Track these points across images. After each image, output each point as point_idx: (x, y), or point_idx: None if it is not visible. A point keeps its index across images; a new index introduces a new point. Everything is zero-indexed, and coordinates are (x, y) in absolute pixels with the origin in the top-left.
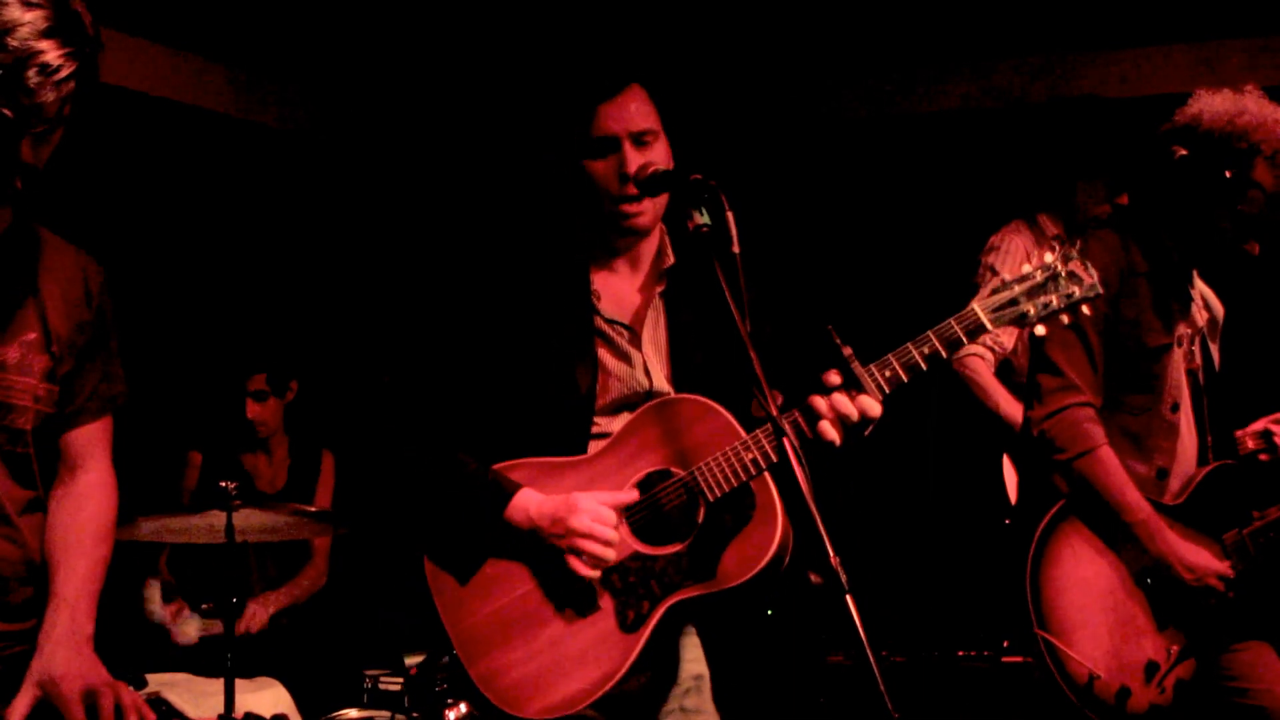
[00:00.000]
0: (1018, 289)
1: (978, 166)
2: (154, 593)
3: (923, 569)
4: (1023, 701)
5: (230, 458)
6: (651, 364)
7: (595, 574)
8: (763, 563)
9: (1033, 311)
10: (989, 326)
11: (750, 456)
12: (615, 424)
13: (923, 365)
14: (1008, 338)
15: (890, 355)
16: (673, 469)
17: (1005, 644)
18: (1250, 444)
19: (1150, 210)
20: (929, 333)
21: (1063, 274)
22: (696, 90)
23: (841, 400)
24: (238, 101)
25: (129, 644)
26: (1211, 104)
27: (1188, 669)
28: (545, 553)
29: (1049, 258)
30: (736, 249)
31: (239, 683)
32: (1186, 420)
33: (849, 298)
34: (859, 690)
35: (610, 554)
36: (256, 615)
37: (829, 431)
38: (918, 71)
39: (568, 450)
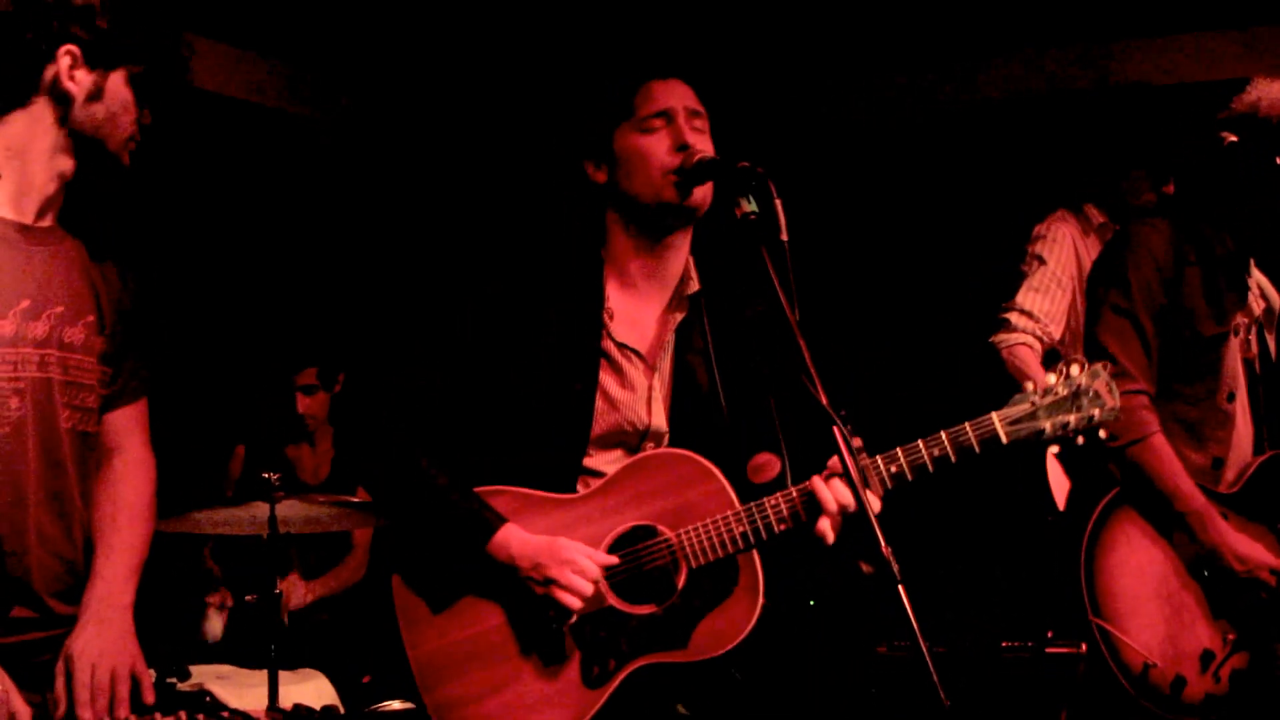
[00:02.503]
0: (1039, 403)
1: (1023, 155)
2: (214, 623)
3: (967, 561)
4: (1066, 692)
5: (275, 449)
6: (655, 397)
7: (562, 618)
8: (735, 642)
9: (1049, 430)
10: (1003, 439)
11: (740, 530)
12: (606, 459)
13: (930, 467)
14: (1055, 328)
15: (899, 450)
16: (659, 527)
17: (1049, 634)
18: None
19: (1202, 198)
20: (942, 433)
21: (1086, 393)
22: (737, 81)
23: (842, 490)
24: (281, 94)
25: (173, 637)
26: (1270, 91)
27: (1244, 659)
28: (520, 591)
29: (1076, 371)
30: (785, 237)
31: (282, 674)
32: (1243, 410)
33: (892, 291)
34: (909, 681)
35: (579, 604)
36: (296, 589)
37: (825, 528)
38: (962, 60)
39: (554, 480)
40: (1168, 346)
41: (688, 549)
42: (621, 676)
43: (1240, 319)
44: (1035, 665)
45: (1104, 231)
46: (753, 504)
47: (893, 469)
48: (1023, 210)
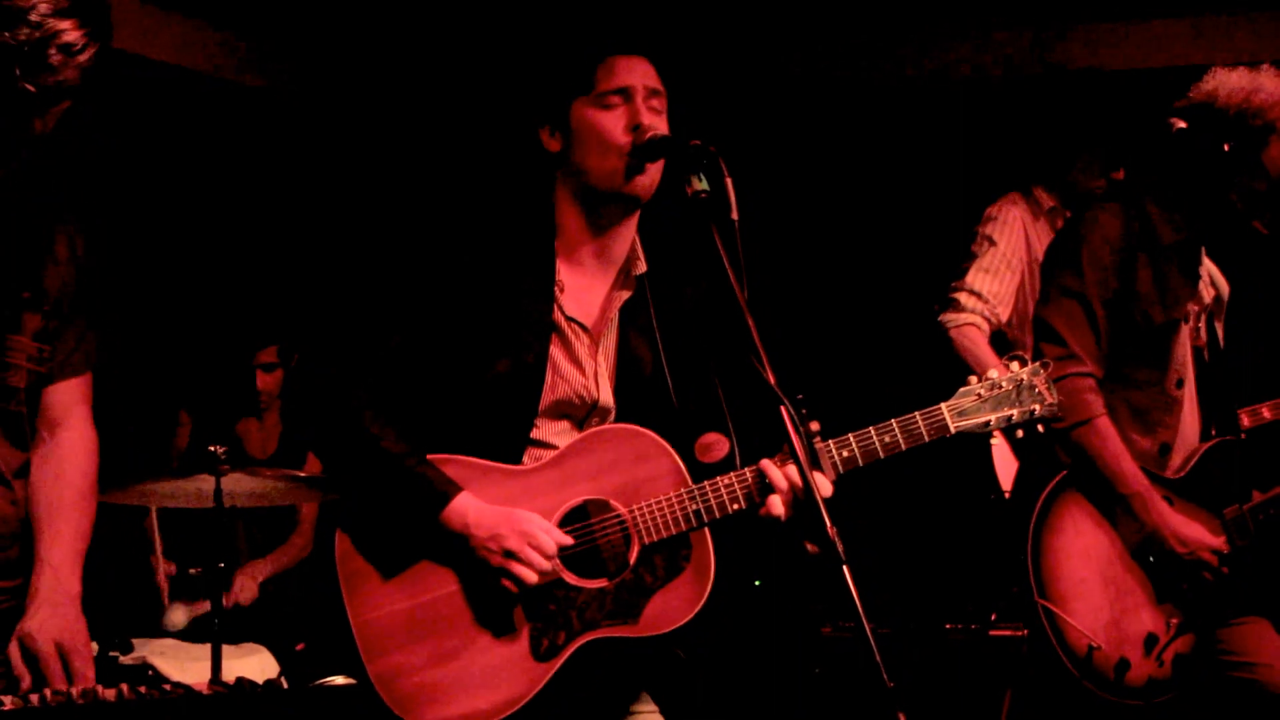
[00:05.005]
0: (984, 395)
1: (974, 138)
2: (178, 614)
3: (911, 542)
4: (1010, 674)
5: (226, 424)
6: (601, 373)
7: (516, 590)
8: (686, 619)
9: (993, 422)
10: (951, 429)
11: (693, 508)
12: (554, 430)
13: (880, 453)
14: (1003, 309)
15: (851, 436)
16: (612, 502)
17: (993, 617)
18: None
19: (1154, 184)
20: (893, 422)
21: (1026, 387)
22: (690, 56)
23: (795, 473)
24: (239, 66)
25: (117, 611)
26: (1228, 81)
27: (1186, 643)
28: (471, 561)
29: (1016, 368)
30: (735, 216)
31: (225, 649)
32: (1190, 397)
33: (841, 271)
34: (853, 661)
35: (537, 580)
36: (245, 588)
37: (776, 506)
38: (912, 42)
39: (501, 450)
40: (1119, 331)
41: (640, 525)
42: (571, 650)
43: (1191, 306)
44: (979, 647)
45: (1054, 215)
46: (705, 483)
47: (844, 454)
48: (973, 192)
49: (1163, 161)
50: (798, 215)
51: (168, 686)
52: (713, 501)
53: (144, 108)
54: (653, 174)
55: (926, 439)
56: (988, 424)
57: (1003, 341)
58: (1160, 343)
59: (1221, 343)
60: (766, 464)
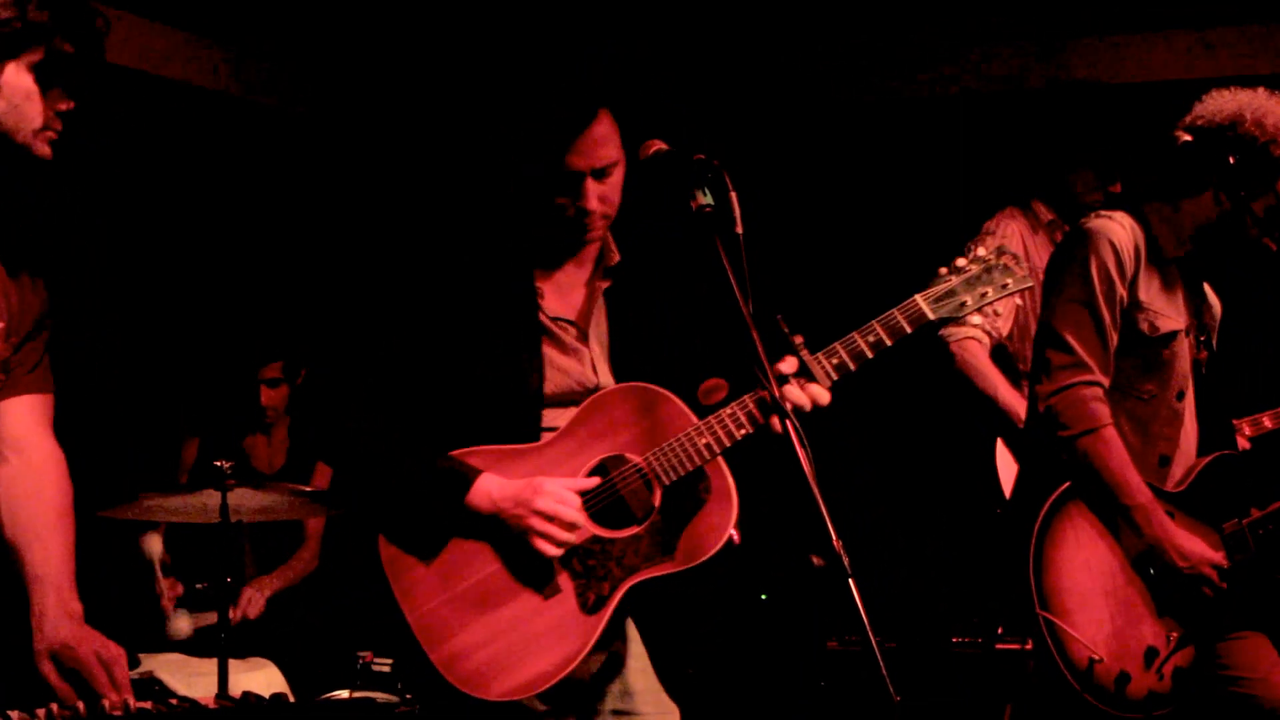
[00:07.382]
0: (956, 280)
1: (971, 152)
2: (153, 540)
3: (917, 555)
4: (1016, 688)
5: (233, 440)
6: (598, 360)
7: (558, 552)
8: (720, 544)
9: (970, 302)
10: (930, 315)
11: (704, 441)
12: (561, 417)
13: (869, 353)
14: (1003, 323)
15: (837, 344)
16: (627, 454)
17: (1000, 630)
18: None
19: (1156, 197)
20: (873, 322)
21: (996, 266)
22: (691, 71)
23: (794, 391)
24: (223, 78)
25: (122, 625)
26: (1233, 100)
27: (1186, 657)
28: (507, 536)
29: (982, 251)
30: (740, 229)
31: (232, 663)
32: (1190, 410)
33: (839, 283)
34: (858, 675)
35: (572, 537)
36: (254, 601)
37: (778, 424)
38: (911, 56)
39: (518, 442)
40: (1126, 342)
41: (658, 469)
42: (618, 598)
43: (1192, 320)
44: (985, 661)
45: (1052, 229)
46: (711, 416)
47: (833, 361)
48: (972, 205)
49: (1167, 175)
50: (796, 227)
51: (174, 701)
52: (720, 432)
53: (145, 123)
54: (609, 219)
55: (909, 330)
56: (964, 305)
57: (1003, 355)
58: (1163, 353)
59: (1206, 361)
60: (788, 388)
